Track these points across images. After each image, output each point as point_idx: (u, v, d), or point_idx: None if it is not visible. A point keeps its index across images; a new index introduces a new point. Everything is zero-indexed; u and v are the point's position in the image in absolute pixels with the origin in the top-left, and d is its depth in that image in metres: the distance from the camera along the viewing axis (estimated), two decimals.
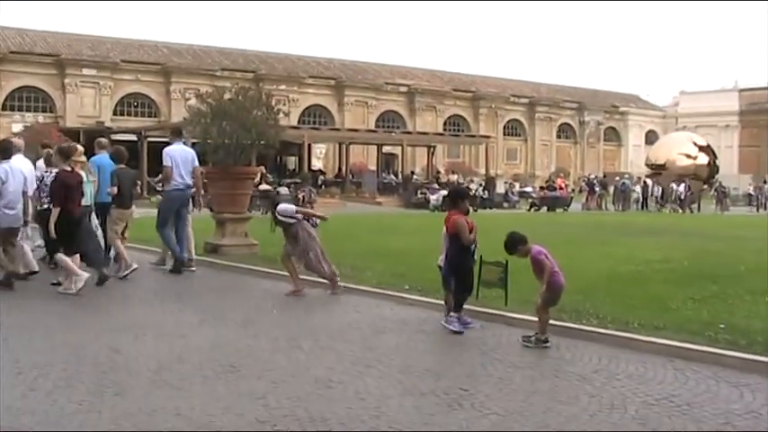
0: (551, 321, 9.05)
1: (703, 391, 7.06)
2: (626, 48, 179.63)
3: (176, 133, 15.63)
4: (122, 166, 14.48)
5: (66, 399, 6.52)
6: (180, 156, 14.92)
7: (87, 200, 13.46)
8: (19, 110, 57.40)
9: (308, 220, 12.67)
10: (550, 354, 8.50)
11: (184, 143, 15.67)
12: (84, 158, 14.45)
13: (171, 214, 15.00)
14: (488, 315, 10.19)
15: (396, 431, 5.91)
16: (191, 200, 15.62)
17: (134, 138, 50.89)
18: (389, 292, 12.05)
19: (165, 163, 14.92)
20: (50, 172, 14.51)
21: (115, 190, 14.01)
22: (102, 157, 14.89)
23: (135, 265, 13.75)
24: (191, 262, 15.12)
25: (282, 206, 12.50)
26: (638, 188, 51.18)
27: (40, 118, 56.30)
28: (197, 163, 15.29)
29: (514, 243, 9.07)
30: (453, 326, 9.60)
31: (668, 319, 9.71)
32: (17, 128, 51.70)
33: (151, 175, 46.82)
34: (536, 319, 9.07)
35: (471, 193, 48.51)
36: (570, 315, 9.91)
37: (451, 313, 9.75)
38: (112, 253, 14.39)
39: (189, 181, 15.00)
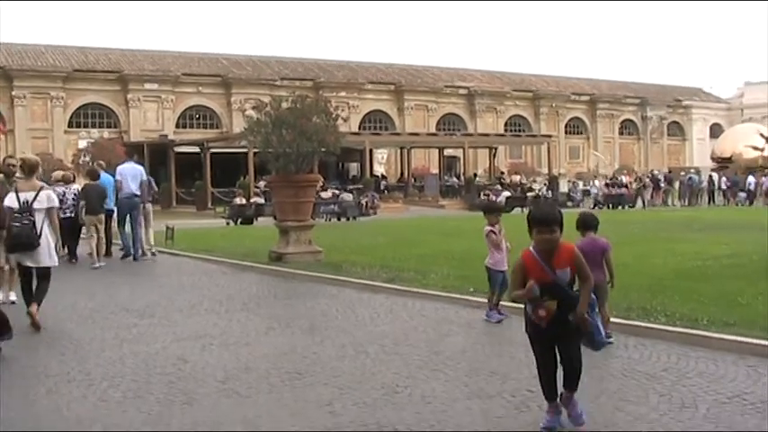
0: (619, 320, 8.90)
1: None
2: (687, 41, 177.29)
3: (129, 154, 20.69)
4: (93, 182, 18.11)
5: (136, 409, 6.61)
6: (129, 172, 18.89)
7: None
8: (84, 126, 58.46)
9: None
10: (618, 353, 8.36)
11: (135, 162, 20.03)
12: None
13: (124, 216, 18.83)
14: None
15: None
16: (140, 205, 18.95)
17: (197, 150, 51.49)
18: (454, 295, 12.00)
19: (116, 177, 18.84)
20: (69, 188, 17.88)
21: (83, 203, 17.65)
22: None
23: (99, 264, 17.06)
24: (147, 251, 18.96)
25: None
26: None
27: (105, 133, 57.26)
28: (144, 177, 19.06)
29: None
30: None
31: (739, 315, 9.53)
32: (83, 144, 52.72)
33: (214, 186, 47.55)
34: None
35: (534, 194, 48.45)
36: (638, 313, 9.79)
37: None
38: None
39: (137, 191, 18.70)
